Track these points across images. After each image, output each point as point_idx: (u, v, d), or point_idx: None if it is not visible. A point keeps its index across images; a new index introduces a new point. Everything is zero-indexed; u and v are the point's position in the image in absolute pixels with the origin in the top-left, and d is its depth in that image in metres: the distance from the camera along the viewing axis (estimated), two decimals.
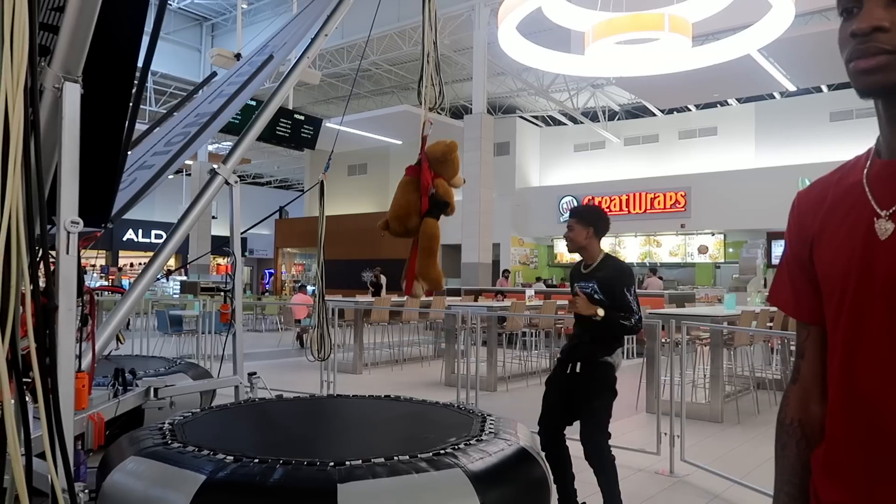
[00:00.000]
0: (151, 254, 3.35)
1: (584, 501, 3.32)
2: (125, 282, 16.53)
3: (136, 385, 3.59)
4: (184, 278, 18.66)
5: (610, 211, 17.75)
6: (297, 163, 26.92)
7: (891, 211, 0.86)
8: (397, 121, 17.86)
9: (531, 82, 17.88)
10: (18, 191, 1.58)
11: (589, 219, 3.35)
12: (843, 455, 0.91)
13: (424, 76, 3.83)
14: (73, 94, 2.03)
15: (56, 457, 1.68)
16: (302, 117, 11.58)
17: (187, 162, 18.13)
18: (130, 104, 2.43)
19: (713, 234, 18.29)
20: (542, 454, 2.89)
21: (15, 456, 1.53)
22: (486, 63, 14.96)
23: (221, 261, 24.34)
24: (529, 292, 10.66)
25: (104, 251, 23.79)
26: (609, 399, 3.27)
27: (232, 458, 2.28)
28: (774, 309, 7.29)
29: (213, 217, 20.82)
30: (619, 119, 21.04)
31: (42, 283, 1.75)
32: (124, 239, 24.69)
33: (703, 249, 18.53)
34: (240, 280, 4.20)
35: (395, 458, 2.31)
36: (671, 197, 17.97)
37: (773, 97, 17.85)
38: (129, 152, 3.13)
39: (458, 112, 19.66)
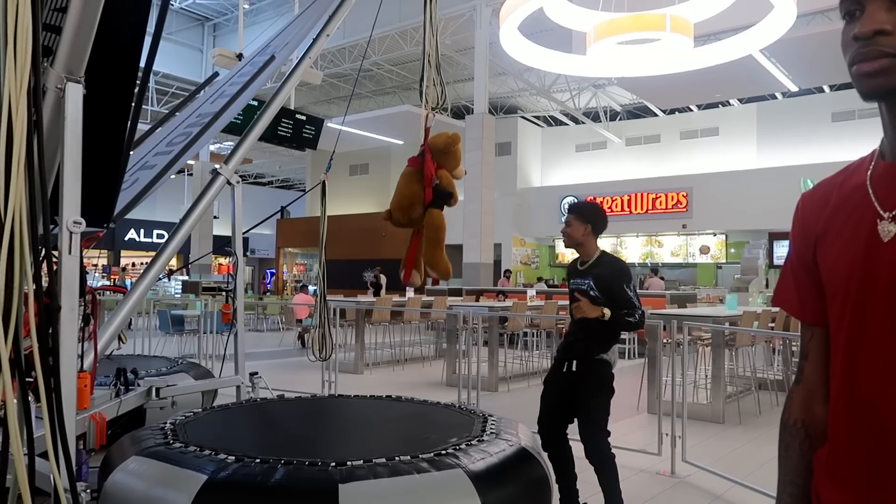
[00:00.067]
0: (153, 254, 3.36)
1: (585, 502, 3.32)
2: (128, 282, 16.55)
3: (138, 385, 3.59)
4: (185, 278, 18.69)
5: (611, 211, 17.78)
6: (298, 163, 26.94)
7: (894, 213, 0.86)
8: (399, 121, 17.86)
9: (533, 82, 17.88)
10: (21, 191, 1.58)
11: (588, 215, 3.34)
12: (845, 456, 0.91)
13: (426, 72, 3.84)
14: (75, 95, 2.03)
15: (58, 456, 1.68)
16: (304, 117, 11.58)
17: (189, 162, 18.16)
18: (132, 104, 2.43)
19: (715, 235, 18.28)
20: (543, 455, 2.89)
21: (18, 455, 1.53)
22: (488, 63, 14.96)
23: (223, 260, 24.37)
24: (531, 292, 10.66)
25: (106, 251, 23.83)
26: (606, 397, 3.25)
27: (233, 458, 2.28)
28: (776, 309, 7.29)
29: (215, 217, 20.85)
30: (620, 119, 21.03)
31: (45, 283, 1.76)
32: (126, 239, 24.73)
33: (704, 250, 18.52)
34: (241, 280, 4.21)
35: (397, 458, 2.31)
36: (673, 197, 17.96)
37: (775, 97, 17.84)
38: (131, 152, 3.13)
39: (460, 112, 19.65)
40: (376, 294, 14.70)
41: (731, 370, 6.78)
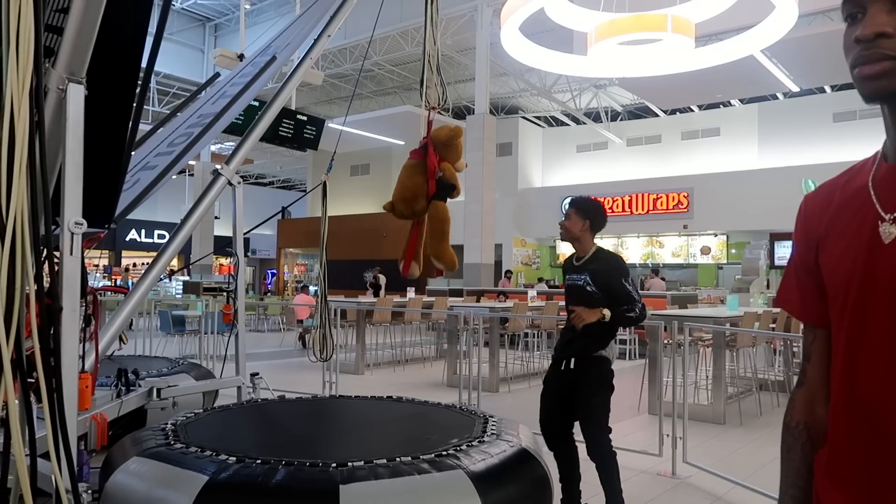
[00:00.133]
0: (154, 254, 3.36)
1: (586, 503, 3.31)
2: (131, 282, 16.56)
3: (139, 385, 3.59)
4: (186, 278, 18.68)
5: (612, 212, 17.78)
6: (299, 163, 26.96)
7: (895, 214, 0.86)
8: (400, 121, 17.87)
9: (534, 83, 17.88)
10: (23, 192, 1.58)
11: (587, 211, 3.34)
12: (845, 457, 0.91)
13: (431, 68, 3.85)
14: (77, 96, 2.04)
15: (60, 457, 1.68)
16: (305, 118, 11.59)
17: (190, 162, 18.15)
18: (134, 105, 2.43)
19: (716, 235, 18.27)
20: (543, 456, 2.89)
21: (19, 456, 1.53)
22: (489, 63, 14.96)
23: (224, 261, 24.37)
24: (531, 293, 10.66)
25: (107, 251, 23.85)
26: (606, 395, 3.24)
27: (234, 458, 2.28)
28: (777, 310, 7.28)
29: (216, 217, 20.87)
30: (621, 120, 21.03)
31: (46, 283, 1.76)
32: (127, 239, 24.75)
33: (705, 250, 18.51)
34: (242, 280, 4.21)
35: (398, 459, 2.31)
36: (674, 198, 17.95)
37: (777, 98, 17.83)
38: (132, 153, 3.13)
39: (461, 112, 19.66)
40: (375, 295, 14.71)
41: (732, 371, 6.78)
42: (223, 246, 19.53)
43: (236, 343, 4.08)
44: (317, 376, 6.65)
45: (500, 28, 9.80)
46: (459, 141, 3.77)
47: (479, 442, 2.59)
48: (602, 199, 18.79)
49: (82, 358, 2.50)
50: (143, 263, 21.90)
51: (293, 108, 13.09)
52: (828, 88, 16.84)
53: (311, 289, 12.96)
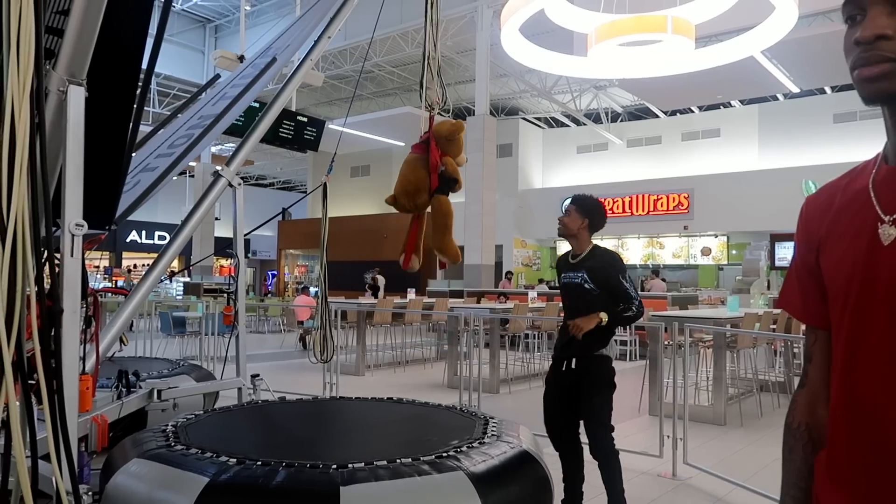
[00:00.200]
0: (155, 255, 3.36)
1: None
2: (134, 283, 16.50)
3: (140, 387, 3.59)
4: (187, 280, 18.69)
5: (613, 213, 17.77)
6: (300, 164, 26.96)
7: (894, 216, 0.86)
8: (400, 122, 17.88)
9: (534, 84, 17.88)
10: (24, 193, 1.58)
11: (588, 210, 3.34)
12: (844, 458, 0.91)
13: (431, 70, 3.86)
14: (77, 98, 2.04)
15: (60, 459, 1.69)
16: (305, 119, 11.60)
17: (191, 164, 18.18)
18: (134, 107, 2.44)
19: (716, 236, 18.27)
20: (543, 457, 2.89)
21: (20, 458, 1.53)
22: (489, 65, 14.97)
23: (224, 262, 24.37)
24: (532, 294, 10.66)
25: (108, 252, 23.86)
26: (609, 393, 3.25)
27: (235, 460, 2.29)
28: (777, 311, 7.28)
29: (217, 219, 20.87)
30: (621, 121, 21.03)
31: (47, 285, 1.76)
32: (128, 240, 24.76)
33: (706, 251, 18.51)
34: (243, 282, 4.21)
35: (398, 460, 2.31)
36: (674, 199, 17.95)
37: (777, 99, 17.83)
38: (132, 154, 3.13)
39: (461, 114, 19.66)
40: (374, 296, 14.70)
41: (733, 372, 6.77)
42: (224, 247, 19.52)
43: (237, 344, 4.08)
44: (317, 378, 6.65)
45: (500, 29, 9.80)
46: (461, 136, 3.81)
47: (480, 443, 2.59)
48: (602, 200, 18.68)
49: (83, 359, 2.50)
50: (143, 265, 21.92)
51: (293, 109, 13.09)
52: (828, 89, 16.84)
53: (312, 290, 12.97)
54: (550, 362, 3.47)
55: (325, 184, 4.68)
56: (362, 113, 19.89)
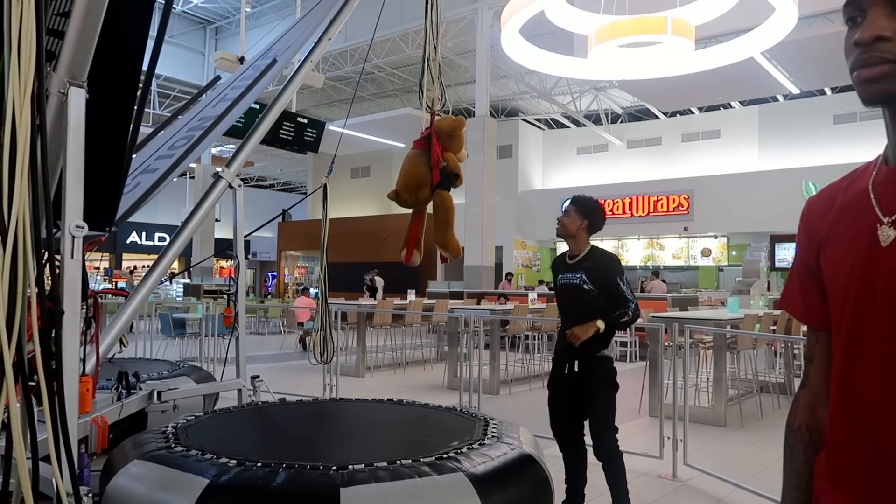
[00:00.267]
0: (155, 257, 3.36)
1: None
2: (136, 284, 16.48)
3: (140, 388, 3.59)
4: (187, 281, 18.69)
5: (613, 214, 17.77)
6: (300, 166, 26.97)
7: (893, 218, 0.86)
8: (400, 123, 17.88)
9: (534, 85, 17.89)
10: (25, 195, 1.59)
11: (587, 211, 3.35)
12: (843, 459, 0.91)
13: (431, 73, 3.88)
14: (78, 99, 2.04)
15: (61, 460, 1.68)
16: (305, 120, 11.61)
17: (191, 165, 18.18)
18: (135, 108, 2.44)
19: (716, 237, 18.26)
20: (544, 458, 2.89)
21: (21, 459, 1.53)
22: (489, 66, 14.98)
23: (224, 264, 24.37)
24: (532, 295, 10.65)
25: (108, 254, 23.86)
26: (612, 393, 3.26)
27: (235, 461, 2.29)
28: (777, 312, 7.28)
29: (217, 220, 20.86)
30: (621, 122, 21.04)
31: (47, 287, 1.76)
32: (128, 242, 24.77)
33: (706, 252, 18.50)
34: (243, 283, 4.21)
35: (398, 461, 2.31)
36: (674, 200, 17.95)
37: (777, 100, 17.84)
38: (133, 156, 3.14)
39: (461, 115, 19.60)
40: (372, 297, 14.70)
41: (733, 373, 6.77)
42: (224, 248, 19.51)
43: (237, 346, 4.08)
44: (317, 379, 6.65)
45: (500, 30, 9.81)
46: (462, 131, 3.84)
47: (480, 445, 2.59)
48: (602, 202, 18.65)
49: (83, 361, 2.50)
50: (143, 266, 21.91)
51: (294, 110, 13.10)
52: (828, 90, 16.84)
53: (312, 291, 12.97)
54: (550, 364, 3.48)
55: (325, 185, 4.69)
56: (362, 114, 19.90)
